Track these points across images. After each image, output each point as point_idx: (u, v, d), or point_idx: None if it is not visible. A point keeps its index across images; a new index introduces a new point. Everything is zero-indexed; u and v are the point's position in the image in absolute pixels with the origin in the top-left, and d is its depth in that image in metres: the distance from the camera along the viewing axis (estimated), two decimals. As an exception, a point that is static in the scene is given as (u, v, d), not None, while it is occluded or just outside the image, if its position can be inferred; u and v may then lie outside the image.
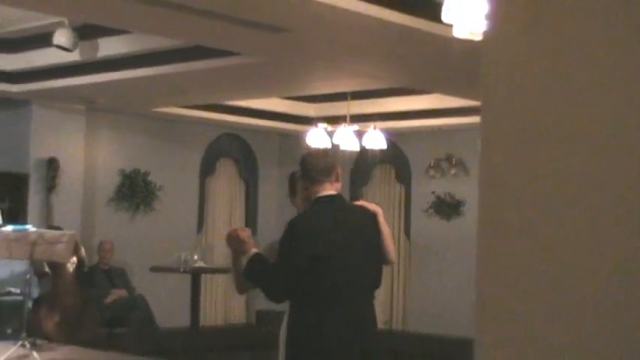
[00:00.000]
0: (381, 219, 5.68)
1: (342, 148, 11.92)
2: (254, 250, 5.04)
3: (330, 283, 4.89)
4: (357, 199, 10.80)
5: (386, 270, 13.93)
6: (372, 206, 5.82)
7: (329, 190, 5.07)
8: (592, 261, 1.49)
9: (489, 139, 1.64)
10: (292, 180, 5.50)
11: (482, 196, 1.65)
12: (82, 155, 12.45)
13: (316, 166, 5.08)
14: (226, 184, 14.53)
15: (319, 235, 4.99)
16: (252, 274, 5.09)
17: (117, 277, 11.85)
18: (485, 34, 1.70)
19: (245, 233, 5.19)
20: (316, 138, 11.51)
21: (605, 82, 1.49)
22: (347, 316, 4.90)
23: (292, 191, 5.47)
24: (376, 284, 5.32)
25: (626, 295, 1.46)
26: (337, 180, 5.22)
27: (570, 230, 1.51)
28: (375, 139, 11.80)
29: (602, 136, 1.49)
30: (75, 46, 9.43)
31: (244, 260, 5.04)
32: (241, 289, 5.75)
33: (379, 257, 5.26)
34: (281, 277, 4.96)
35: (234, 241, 5.16)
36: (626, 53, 1.48)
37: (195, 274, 10.20)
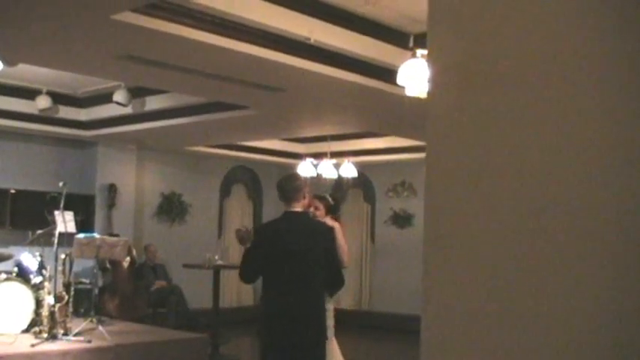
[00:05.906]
0: (338, 233, 5.62)
1: (324, 176, 11.90)
2: (247, 245, 5.06)
3: (280, 274, 4.81)
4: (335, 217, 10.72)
5: (356, 266, 14.00)
6: (330, 222, 5.74)
7: (296, 207, 4.94)
8: (498, 258, 1.49)
9: (431, 169, 1.65)
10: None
11: (426, 211, 1.66)
12: (133, 182, 12.42)
13: (286, 188, 4.97)
14: (239, 203, 14.48)
15: (275, 239, 4.86)
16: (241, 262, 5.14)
17: (159, 271, 11.80)
18: (429, 93, 1.71)
19: (243, 232, 5.25)
20: (305, 169, 11.50)
21: (513, 129, 1.50)
22: (291, 300, 4.78)
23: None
24: (334, 282, 5.09)
25: (537, 281, 1.46)
26: (304, 198, 5.14)
27: (487, 237, 1.52)
28: (349, 170, 11.81)
29: (510, 167, 1.50)
30: (129, 102, 9.45)
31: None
32: None
33: (332, 261, 5.07)
34: (244, 267, 4.97)
35: (237, 237, 5.28)
36: (521, 110, 1.49)
37: (216, 270, 10.13)
